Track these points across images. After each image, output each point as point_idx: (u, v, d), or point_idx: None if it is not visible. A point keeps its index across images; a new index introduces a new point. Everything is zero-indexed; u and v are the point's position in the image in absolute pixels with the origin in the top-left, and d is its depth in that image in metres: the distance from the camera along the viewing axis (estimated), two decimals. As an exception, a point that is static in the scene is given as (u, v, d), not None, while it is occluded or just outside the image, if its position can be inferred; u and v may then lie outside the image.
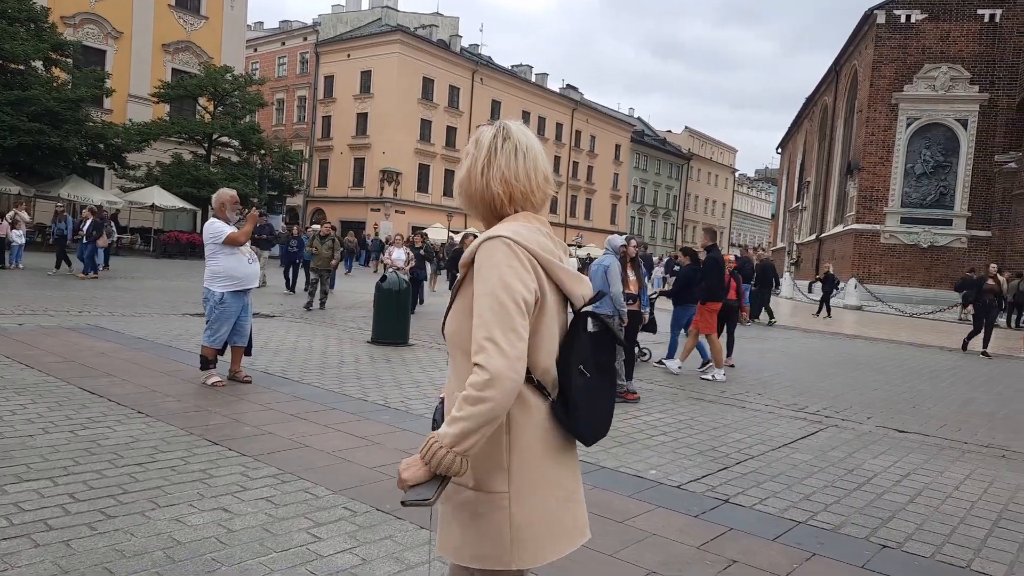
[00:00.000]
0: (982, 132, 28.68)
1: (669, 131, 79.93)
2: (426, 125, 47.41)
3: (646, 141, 71.53)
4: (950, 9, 28.48)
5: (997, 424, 7.37)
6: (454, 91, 49.06)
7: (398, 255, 13.79)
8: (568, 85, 62.26)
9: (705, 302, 8.91)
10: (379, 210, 44.90)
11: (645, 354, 9.89)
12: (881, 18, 29.14)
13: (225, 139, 32.95)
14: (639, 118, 76.44)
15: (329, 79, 48.92)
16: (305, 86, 50.42)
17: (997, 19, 28.05)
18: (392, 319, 9.68)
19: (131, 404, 5.47)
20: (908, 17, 28.84)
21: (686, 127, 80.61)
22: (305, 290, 15.11)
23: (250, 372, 6.80)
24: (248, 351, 6.70)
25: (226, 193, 6.51)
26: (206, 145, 32.48)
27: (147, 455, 4.34)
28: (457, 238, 24.72)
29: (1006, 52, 28.03)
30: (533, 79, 57.53)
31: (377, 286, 9.84)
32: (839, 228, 33.68)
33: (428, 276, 17.32)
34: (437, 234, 39.99)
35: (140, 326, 9.58)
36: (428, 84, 47.29)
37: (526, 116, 54.14)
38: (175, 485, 3.89)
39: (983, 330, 13.62)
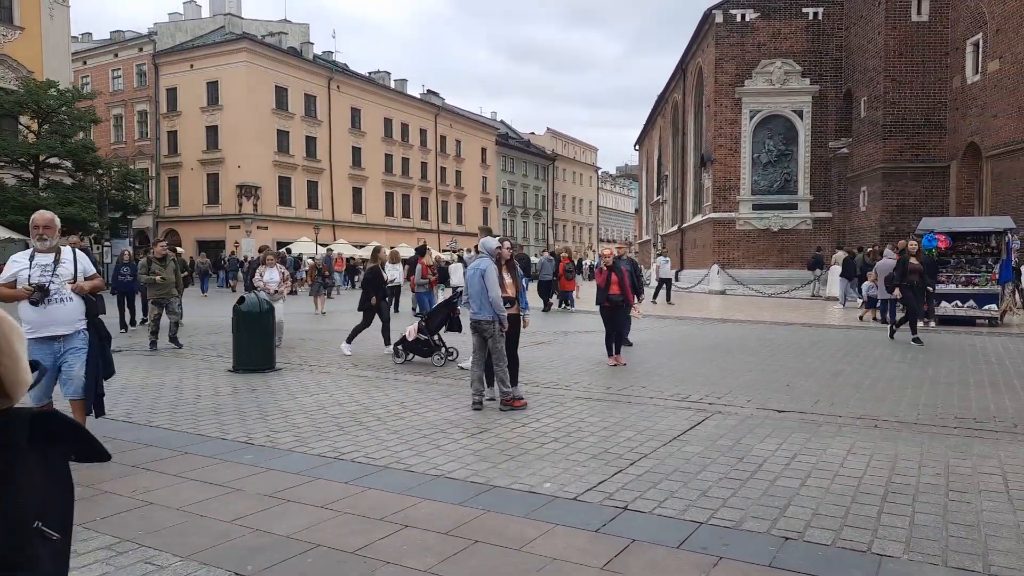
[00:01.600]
0: (816, 121, 31.00)
1: (532, 133, 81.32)
2: (283, 136, 45.40)
3: (511, 144, 72.38)
4: (779, 8, 30.57)
5: (864, 394, 7.69)
6: (310, 100, 47.32)
7: (270, 276, 11.65)
8: (429, 91, 61.82)
9: None
10: (239, 227, 42.46)
11: (451, 353, 9.76)
12: (719, 17, 30.82)
13: (55, 160, 29.89)
14: (502, 121, 77.28)
15: (172, 91, 45.76)
16: (145, 100, 46.90)
17: (820, 17, 30.43)
18: (254, 344, 8.88)
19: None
20: (743, 16, 30.68)
21: (548, 128, 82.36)
22: (143, 322, 13.73)
23: (87, 418, 5.89)
24: (96, 407, 5.35)
25: (37, 216, 5.47)
26: (32, 168, 29.31)
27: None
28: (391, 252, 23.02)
29: (830, 47, 30.46)
30: (392, 85, 56.60)
31: (235, 308, 9.00)
32: (698, 218, 35.34)
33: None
34: (304, 248, 38.33)
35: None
36: (282, 93, 45.30)
37: (388, 123, 53.22)
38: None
39: (913, 314, 12.32)
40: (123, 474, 4.61)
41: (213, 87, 43.98)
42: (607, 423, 6.26)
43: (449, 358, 9.68)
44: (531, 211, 75.23)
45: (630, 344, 11.04)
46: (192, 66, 44.74)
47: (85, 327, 5.13)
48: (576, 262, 27.42)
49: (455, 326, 9.71)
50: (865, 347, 11.70)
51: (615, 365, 9.42)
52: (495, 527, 3.76)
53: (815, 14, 30.46)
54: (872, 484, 4.55)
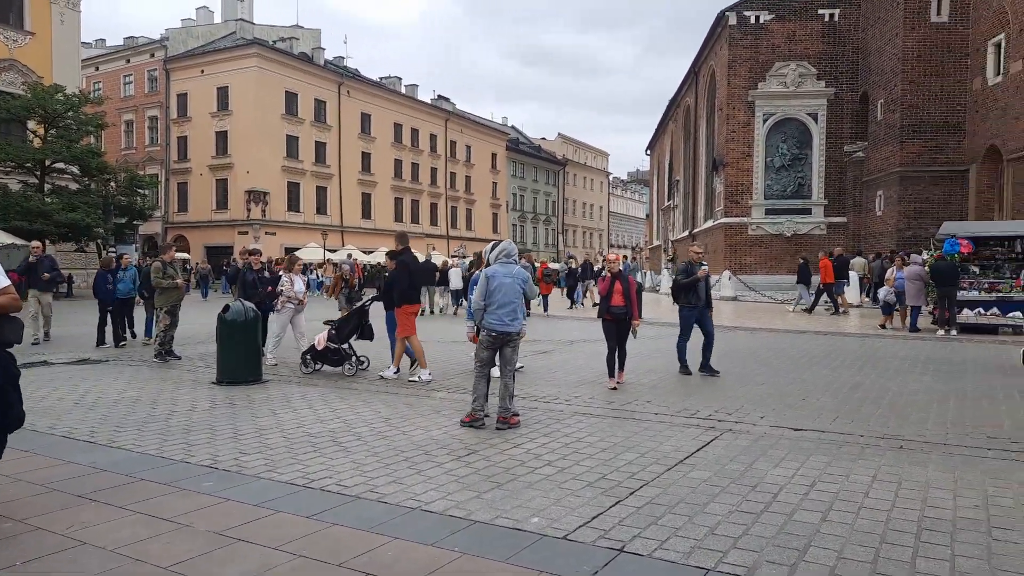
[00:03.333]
0: (831, 125, 30.34)
1: (543, 138, 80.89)
2: (292, 141, 45.21)
3: (521, 149, 71.98)
4: (795, 10, 29.98)
5: (885, 410, 7.15)
6: (320, 105, 47.13)
7: (299, 286, 10.53)
8: (439, 96, 61.54)
9: (400, 305, 8.77)
10: (247, 233, 42.26)
11: (363, 362, 9.39)
12: (733, 19, 30.27)
13: (61, 165, 29.73)
14: (513, 126, 76.90)
15: (182, 97, 45.72)
16: (156, 105, 46.89)
17: (836, 18, 29.81)
18: (239, 354, 8.45)
19: None
20: (758, 18, 30.11)
21: (559, 133, 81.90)
22: (147, 338, 13.17)
23: (48, 437, 5.48)
24: None
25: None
26: (38, 173, 29.16)
27: None
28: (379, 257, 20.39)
29: (846, 49, 29.82)
30: (403, 91, 56.37)
31: (220, 317, 8.56)
32: (710, 223, 34.73)
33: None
34: (312, 254, 38.07)
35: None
36: (291, 98, 45.14)
37: (398, 128, 52.98)
38: None
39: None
40: (64, 505, 4.16)
41: (223, 92, 43.88)
42: (607, 443, 5.76)
43: (360, 367, 9.30)
44: (541, 217, 74.75)
45: (714, 373, 9.27)
46: (203, 71, 44.69)
47: None
48: (580, 268, 26.64)
49: (367, 334, 9.43)
50: (883, 357, 11.12)
51: (615, 388, 8.26)
52: (468, 573, 3.27)
53: (831, 15, 29.85)
54: (903, 519, 4.02)
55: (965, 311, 14.41)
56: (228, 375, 8.40)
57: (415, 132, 54.83)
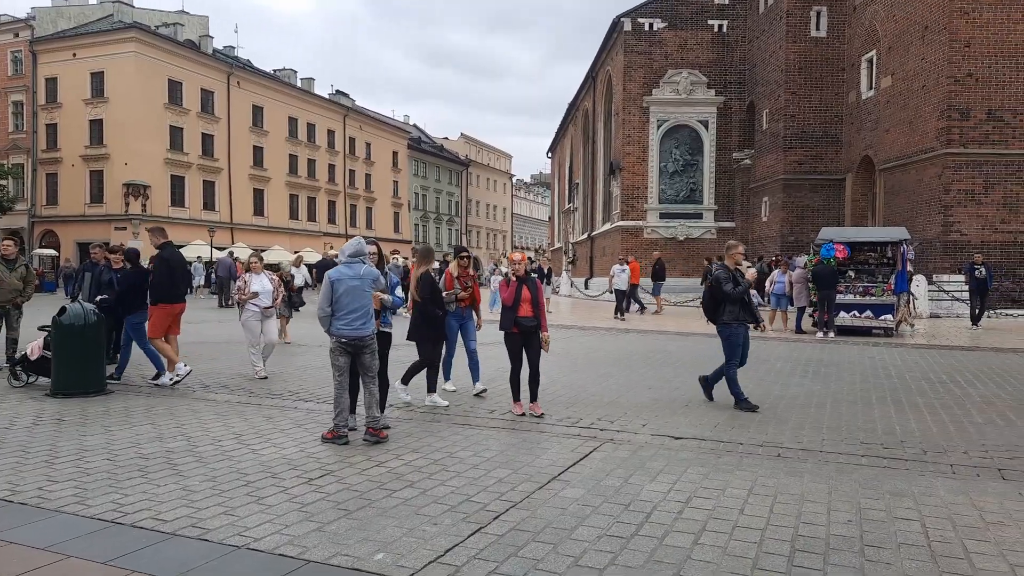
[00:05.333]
0: (721, 132, 31.41)
1: (446, 138, 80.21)
2: (177, 132, 42.52)
3: (424, 148, 71.03)
4: (686, 19, 30.83)
5: (766, 414, 7.10)
6: (208, 95, 44.59)
7: (260, 285, 9.03)
8: (338, 91, 59.75)
9: (156, 303, 8.35)
10: (125, 228, 39.36)
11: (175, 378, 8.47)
12: (628, 25, 30.80)
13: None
14: (415, 125, 75.83)
15: (51, 81, 42.08)
16: (21, 89, 42.95)
17: (724, 29, 30.87)
18: (78, 362, 7.49)
19: None
20: (651, 26, 30.77)
21: (462, 134, 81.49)
22: None
23: None
24: None
25: None
26: None
27: None
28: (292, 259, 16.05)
29: (734, 59, 30.93)
30: (299, 84, 54.31)
31: (55, 321, 7.57)
32: (608, 226, 35.22)
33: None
34: (198, 251, 35.86)
35: None
36: (175, 87, 42.45)
37: (293, 122, 50.97)
38: None
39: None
40: None
41: (98, 78, 40.70)
42: (480, 458, 5.33)
43: (175, 380, 8.41)
44: (444, 217, 74.05)
45: (752, 408, 7.21)
46: (75, 55, 41.29)
47: None
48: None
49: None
50: (767, 359, 11.29)
51: (523, 415, 6.85)
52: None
53: (720, 26, 30.88)
54: (777, 539, 3.79)
55: (842, 314, 14.98)
56: (63, 385, 7.42)
57: (312, 127, 52.92)
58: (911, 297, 16.76)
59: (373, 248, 6.34)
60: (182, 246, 37.63)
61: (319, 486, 4.59)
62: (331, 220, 54.99)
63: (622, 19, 30.82)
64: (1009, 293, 19.54)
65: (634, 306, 20.97)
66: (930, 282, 19.71)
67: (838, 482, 4.85)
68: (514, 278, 6.87)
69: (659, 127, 31.29)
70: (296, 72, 55.06)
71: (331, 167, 55.06)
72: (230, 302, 24.58)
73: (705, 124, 31.39)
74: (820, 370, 10.25)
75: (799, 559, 3.52)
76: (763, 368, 10.31)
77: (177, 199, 42.72)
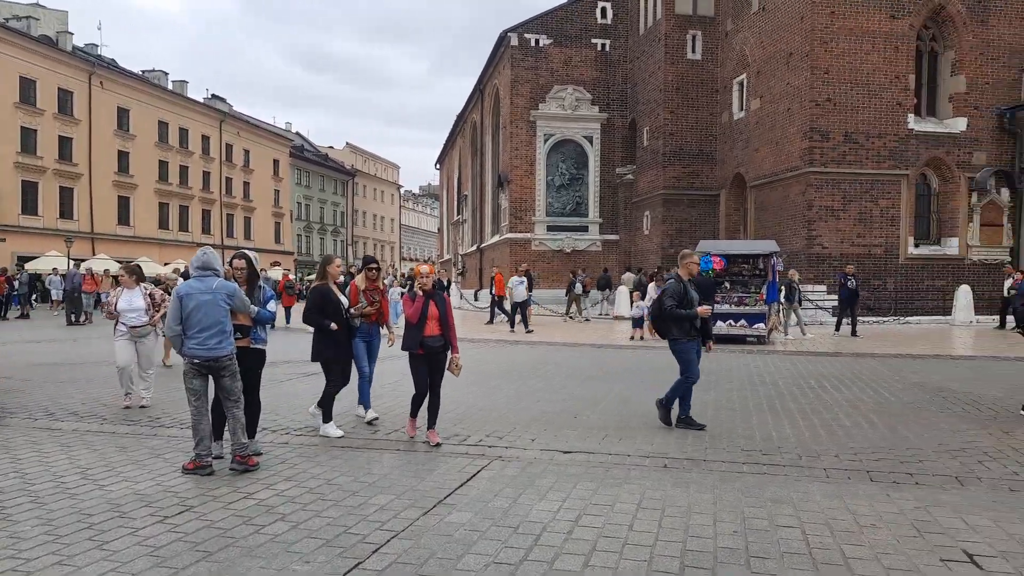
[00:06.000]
0: (605, 148, 32.30)
1: (331, 147, 78.17)
2: (29, 134, 38.91)
3: (307, 157, 68.84)
4: (571, 36, 31.56)
5: (652, 423, 7.15)
6: (66, 96, 41.12)
7: (129, 302, 8.01)
8: (213, 95, 56.87)
9: None
10: (-34, 239, 35.54)
11: None
12: (514, 41, 31.15)
13: None
14: (298, 133, 73.40)
15: None
16: None
17: (608, 48, 31.84)
18: None
19: None
20: (537, 41, 31.26)
21: (347, 143, 79.69)
22: None
23: None
24: None
25: None
26: None
27: None
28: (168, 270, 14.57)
29: (616, 78, 31.95)
30: (170, 86, 51.26)
31: None
32: (496, 238, 35.35)
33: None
34: (54, 263, 32.86)
35: None
36: (28, 86, 38.88)
37: (163, 127, 47.97)
38: None
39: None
40: None
41: (-65, 72, 36.68)
42: (361, 483, 5.00)
43: None
44: (329, 227, 72.01)
45: (699, 427, 6.97)
46: (-95, 44, 37.03)
47: None
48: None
49: None
50: (652, 369, 11.53)
51: (412, 437, 6.40)
52: None
53: (603, 45, 31.81)
54: (667, 555, 3.73)
55: (719, 323, 15.60)
56: None
57: (184, 132, 50.01)
58: (780, 306, 17.72)
59: (241, 262, 5.86)
60: (34, 257, 34.59)
61: (175, 525, 4.11)
62: (206, 230, 52.07)
63: (509, 34, 31.13)
64: (865, 302, 21.08)
65: (499, 316, 21.34)
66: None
67: (722, 491, 4.89)
68: (420, 293, 6.21)
69: (546, 141, 31.79)
70: (167, 74, 52.01)
71: (206, 174, 52.23)
72: (82, 319, 22.69)
73: (590, 139, 32.18)
74: (701, 379, 10.54)
75: (688, 575, 3.46)
76: (648, 378, 10.49)
77: (29, 206, 39.06)
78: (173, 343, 5.31)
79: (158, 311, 8.20)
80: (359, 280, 7.24)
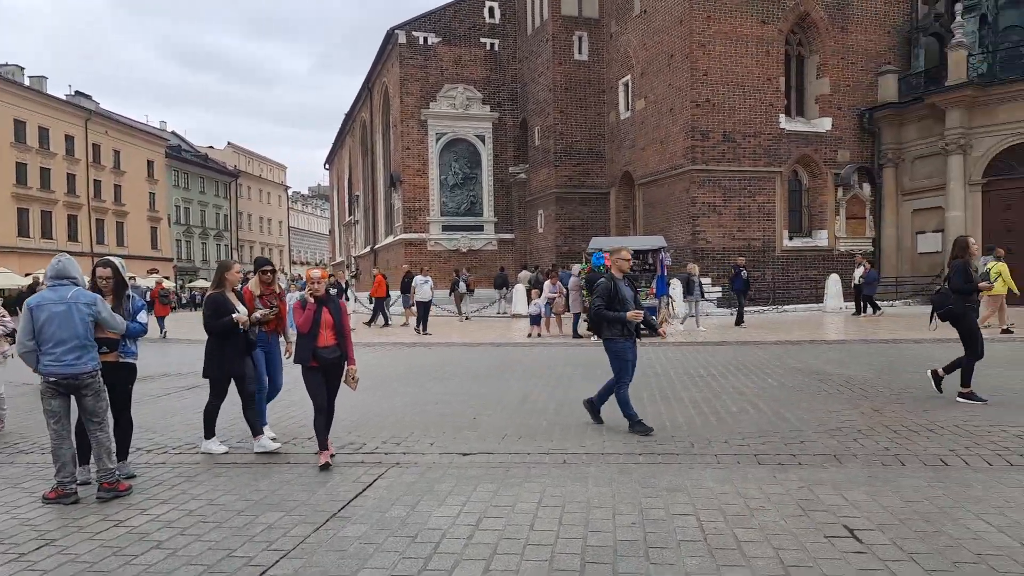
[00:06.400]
0: (497, 147, 32.46)
1: (211, 147, 74.44)
2: None
3: (185, 157, 65.21)
4: (460, 35, 31.50)
5: (552, 420, 7.17)
6: (-98, 89, 37.10)
7: None
8: (78, 92, 52.82)
9: None
10: None
11: None
12: (402, 38, 30.74)
13: None
14: (174, 132, 69.41)
15: None
16: None
17: (497, 48, 32.00)
18: None
19: None
20: (426, 39, 31.00)
21: (229, 143, 76.22)
22: None
23: None
24: None
25: None
26: None
27: None
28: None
29: (506, 78, 32.17)
30: (26, 82, 47.21)
31: None
32: (390, 239, 34.79)
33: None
34: None
35: None
36: None
37: (20, 126, 44.13)
38: None
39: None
40: None
41: None
42: (247, 501, 4.70)
43: None
44: (212, 231, 68.55)
45: (647, 430, 6.47)
46: None
47: None
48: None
49: None
50: (549, 364, 11.63)
51: (326, 465, 5.52)
52: None
53: (492, 45, 31.93)
54: (568, 552, 3.69)
55: (612, 317, 15.96)
56: None
57: (44, 132, 46.19)
58: (670, 299, 18.36)
59: (106, 270, 5.35)
60: None
61: (33, 562, 3.70)
62: (72, 237, 48.33)
63: (396, 31, 30.69)
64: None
65: (380, 319, 21.26)
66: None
67: (620, 483, 4.93)
68: (311, 299, 5.63)
69: (438, 140, 31.57)
70: (23, 69, 47.88)
71: (71, 176, 48.48)
72: None
73: (482, 139, 32.24)
74: (597, 372, 10.71)
75: (589, 572, 3.44)
76: (546, 373, 10.56)
77: None
78: (26, 360, 4.79)
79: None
80: (253, 285, 6.70)
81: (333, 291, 18.85)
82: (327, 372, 5.74)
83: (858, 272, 19.60)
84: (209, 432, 6.13)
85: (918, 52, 24.79)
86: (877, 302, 19.70)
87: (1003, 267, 14.09)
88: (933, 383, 8.01)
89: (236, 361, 6.05)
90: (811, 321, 19.04)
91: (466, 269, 26.66)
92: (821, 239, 24.46)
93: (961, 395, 7.61)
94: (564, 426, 6.94)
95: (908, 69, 24.75)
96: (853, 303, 20.25)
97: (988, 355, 8.05)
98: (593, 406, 7.11)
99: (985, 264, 13.78)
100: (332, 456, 5.70)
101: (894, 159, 24.55)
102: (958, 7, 23.18)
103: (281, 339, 6.87)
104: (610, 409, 6.96)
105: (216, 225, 69.38)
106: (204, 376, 6.16)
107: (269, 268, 6.77)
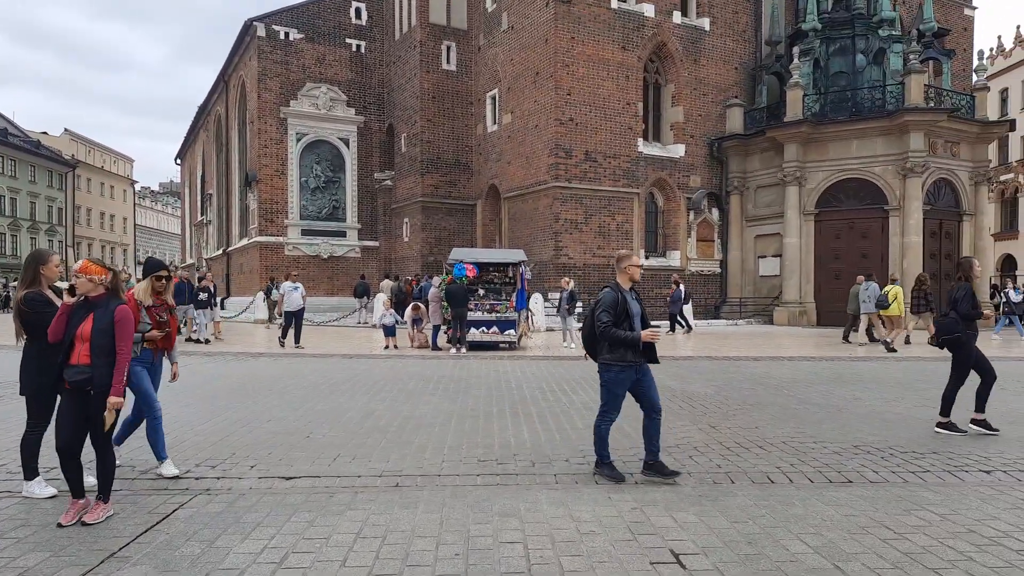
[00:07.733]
0: (362, 151, 31.55)
1: (45, 133, 67.59)
2: None
3: (12, 143, 58.73)
4: (324, 34, 30.40)
5: (392, 439, 6.75)
6: None
7: None
8: None
9: None
10: None
11: None
12: (261, 31, 29.22)
13: None
14: (1, 115, 62.49)
15: None
16: None
17: (363, 50, 31.18)
18: None
19: None
20: (287, 34, 29.65)
21: (66, 129, 69.55)
22: None
23: None
24: None
25: None
26: None
27: None
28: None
29: (373, 81, 31.40)
30: None
31: None
32: (245, 241, 32.88)
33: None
34: None
35: None
36: None
37: None
38: None
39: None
40: None
41: None
42: (7, 540, 3.95)
43: None
44: (43, 226, 62.03)
45: (619, 478, 5.40)
46: None
47: None
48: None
49: None
50: (401, 378, 11.19)
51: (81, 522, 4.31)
52: None
53: (358, 46, 31.11)
54: (378, 593, 3.33)
55: (472, 330, 15.76)
56: None
57: None
58: (529, 313, 18.43)
59: None
60: None
61: None
62: None
63: (255, 23, 29.14)
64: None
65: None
66: (545, 299, 22.05)
67: (451, 509, 4.63)
68: (70, 300, 4.43)
69: (299, 140, 30.25)
70: None
71: None
72: None
73: (346, 142, 31.24)
74: (450, 386, 10.42)
75: (399, 618, 3.09)
76: (395, 388, 10.12)
77: None
78: None
79: None
80: (140, 293, 5.41)
81: (203, 296, 16.83)
82: (77, 400, 4.32)
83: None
84: (30, 472, 4.91)
85: (761, 88, 26.67)
86: (690, 321, 21.31)
87: (899, 290, 16.37)
88: (980, 429, 7.10)
89: (46, 374, 4.61)
90: (661, 337, 19.73)
91: (284, 276, 24.33)
92: (674, 259, 25.62)
93: (940, 425, 7.14)
94: (404, 443, 6.56)
95: (753, 104, 26.56)
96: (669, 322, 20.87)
97: (836, 373, 8.51)
98: (655, 458, 5.51)
99: (878, 290, 16.27)
100: (110, 512, 4.40)
101: (740, 187, 26.21)
102: (795, 50, 25.19)
103: (165, 360, 5.72)
104: (448, 427, 6.64)
105: (48, 219, 62.94)
106: (22, 393, 4.98)
107: (164, 273, 5.53)
